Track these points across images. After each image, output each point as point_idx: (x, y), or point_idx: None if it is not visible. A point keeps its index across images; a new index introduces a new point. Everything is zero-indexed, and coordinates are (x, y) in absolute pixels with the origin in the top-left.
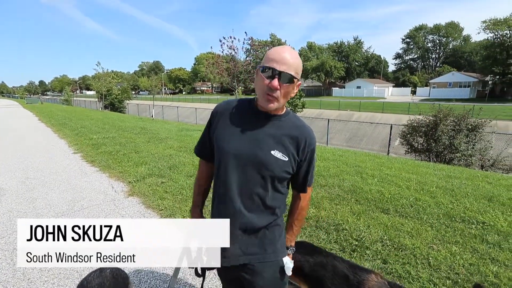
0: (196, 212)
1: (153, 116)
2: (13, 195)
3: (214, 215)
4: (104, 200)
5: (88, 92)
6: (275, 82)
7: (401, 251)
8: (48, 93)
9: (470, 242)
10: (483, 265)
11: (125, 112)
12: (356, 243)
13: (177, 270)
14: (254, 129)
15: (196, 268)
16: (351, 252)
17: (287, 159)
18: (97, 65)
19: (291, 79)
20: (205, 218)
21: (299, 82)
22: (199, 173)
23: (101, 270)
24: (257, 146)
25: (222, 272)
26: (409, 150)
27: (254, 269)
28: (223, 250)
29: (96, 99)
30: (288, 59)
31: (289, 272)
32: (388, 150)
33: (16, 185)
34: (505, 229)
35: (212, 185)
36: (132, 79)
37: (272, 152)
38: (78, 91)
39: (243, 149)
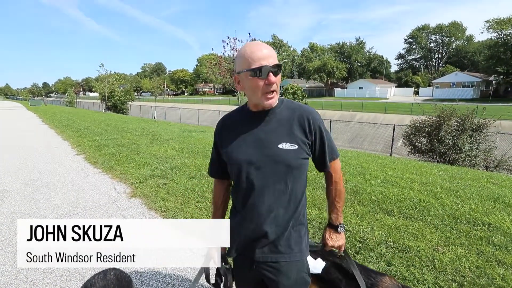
0: None
1: (155, 117)
2: (16, 196)
3: (239, 220)
4: (107, 201)
5: (91, 94)
6: (272, 78)
7: (406, 253)
8: (52, 94)
9: (476, 244)
10: (489, 267)
11: (128, 113)
12: (360, 244)
13: (201, 272)
14: (255, 130)
15: (215, 273)
16: (355, 254)
17: (296, 147)
18: (100, 66)
19: (280, 68)
20: None
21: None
22: (216, 193)
23: (105, 272)
24: (264, 146)
25: (243, 271)
26: (412, 150)
27: (280, 268)
28: (251, 248)
29: (99, 101)
30: (269, 51)
31: (316, 270)
32: (391, 151)
33: (19, 186)
34: (511, 230)
35: (231, 197)
36: (135, 81)
37: (280, 145)
38: (81, 93)
39: (253, 153)
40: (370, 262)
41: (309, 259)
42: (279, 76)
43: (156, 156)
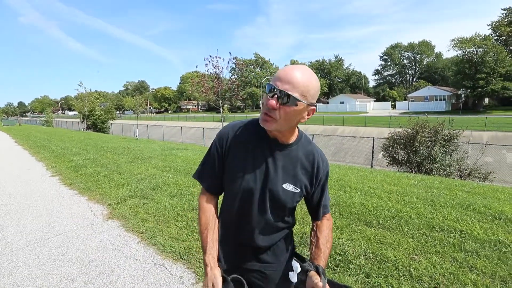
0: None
1: (138, 135)
2: None
3: (224, 241)
4: (82, 224)
5: (70, 113)
6: (272, 101)
7: (384, 263)
8: (28, 114)
9: (450, 251)
10: (462, 273)
11: (109, 132)
12: (340, 257)
13: None
14: (266, 161)
15: None
16: (335, 268)
17: (298, 190)
18: (79, 85)
19: (293, 101)
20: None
21: (312, 107)
22: (208, 214)
23: None
24: (270, 181)
25: (231, 270)
26: (391, 162)
27: (267, 276)
28: (239, 257)
29: (78, 120)
30: (295, 78)
31: (294, 278)
32: (372, 163)
33: None
34: (481, 236)
35: (221, 210)
36: (117, 99)
37: (284, 185)
38: (59, 112)
39: (257, 184)
40: (349, 274)
41: (296, 265)
42: (287, 108)
43: (136, 175)
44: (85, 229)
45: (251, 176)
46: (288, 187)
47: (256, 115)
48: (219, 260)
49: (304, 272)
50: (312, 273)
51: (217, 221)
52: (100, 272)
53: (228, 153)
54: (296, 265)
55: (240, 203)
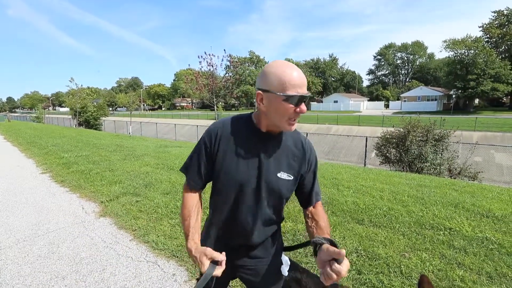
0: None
1: (131, 133)
2: None
3: (216, 239)
4: (73, 222)
5: (62, 109)
6: (304, 107)
7: (375, 260)
8: (17, 110)
9: (439, 248)
10: (450, 270)
11: (101, 129)
12: None
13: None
14: (259, 153)
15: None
16: None
17: (292, 178)
18: (70, 81)
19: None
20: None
21: None
22: (191, 204)
23: None
24: (264, 171)
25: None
26: (384, 161)
27: (257, 270)
28: (230, 254)
29: (70, 116)
30: (304, 80)
31: (285, 271)
32: (365, 162)
33: None
34: (469, 233)
35: (213, 208)
36: (109, 95)
37: (279, 174)
38: (50, 108)
39: (252, 176)
40: None
41: (285, 258)
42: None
43: (129, 172)
44: (77, 227)
45: (245, 169)
46: (283, 175)
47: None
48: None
49: (315, 245)
50: (326, 245)
51: (200, 211)
52: (91, 270)
53: (218, 148)
54: (285, 259)
55: (235, 197)
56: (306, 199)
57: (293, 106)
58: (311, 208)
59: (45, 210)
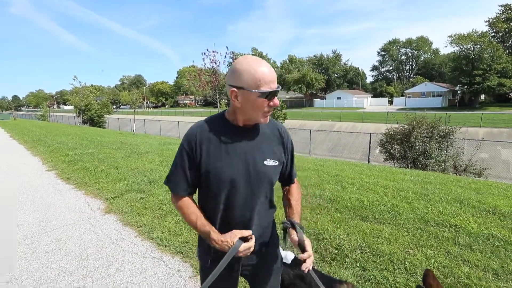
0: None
1: (134, 130)
2: None
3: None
4: (79, 218)
5: (66, 107)
6: (277, 100)
7: (379, 257)
8: (22, 108)
9: (444, 245)
10: (455, 266)
11: (105, 127)
12: (336, 251)
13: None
14: (242, 146)
15: None
16: (331, 261)
17: (277, 163)
18: (73, 79)
19: None
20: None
21: None
22: (193, 209)
23: None
24: (250, 162)
25: (224, 275)
26: (388, 157)
27: (257, 263)
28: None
29: (74, 114)
30: (275, 74)
31: (287, 260)
32: (369, 159)
33: None
34: (475, 230)
35: (206, 210)
36: (113, 93)
37: (265, 162)
38: (55, 106)
39: (240, 169)
40: (345, 268)
41: (281, 250)
42: None
43: (133, 170)
44: (83, 223)
45: (233, 165)
46: (269, 162)
47: None
48: (207, 262)
49: (284, 231)
50: (291, 230)
51: (199, 210)
52: (98, 266)
53: (201, 152)
54: (285, 254)
55: (228, 195)
56: (285, 180)
57: (267, 100)
58: (287, 187)
59: (52, 207)
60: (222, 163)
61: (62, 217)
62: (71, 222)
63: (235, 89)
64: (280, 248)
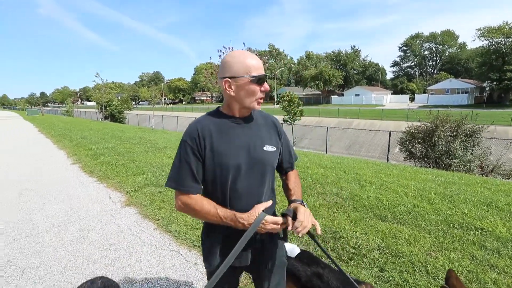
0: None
1: (153, 126)
2: (10, 206)
3: (223, 231)
4: (101, 210)
5: (89, 103)
6: (267, 85)
7: (399, 258)
8: (49, 104)
9: (469, 249)
10: (482, 272)
11: (125, 122)
12: (353, 251)
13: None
14: (241, 135)
15: None
16: (348, 260)
17: (275, 149)
18: (96, 76)
19: None
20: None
21: None
22: (205, 201)
23: (92, 281)
24: (251, 149)
25: (230, 271)
26: (408, 156)
27: (264, 256)
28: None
29: (96, 110)
30: (262, 63)
31: (292, 254)
32: (388, 157)
33: (13, 196)
34: (504, 235)
35: (215, 201)
36: (132, 90)
37: (265, 148)
38: (79, 102)
39: (243, 157)
40: (363, 268)
41: (286, 244)
42: None
43: (152, 164)
44: (105, 215)
45: (236, 153)
46: (268, 148)
47: (270, 106)
48: (211, 257)
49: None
50: (288, 218)
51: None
52: (119, 256)
53: (205, 144)
54: (289, 247)
55: (232, 181)
56: (283, 168)
57: (258, 86)
58: (285, 175)
59: (76, 198)
60: (226, 152)
61: (85, 208)
62: (94, 213)
63: (228, 79)
64: (286, 243)
